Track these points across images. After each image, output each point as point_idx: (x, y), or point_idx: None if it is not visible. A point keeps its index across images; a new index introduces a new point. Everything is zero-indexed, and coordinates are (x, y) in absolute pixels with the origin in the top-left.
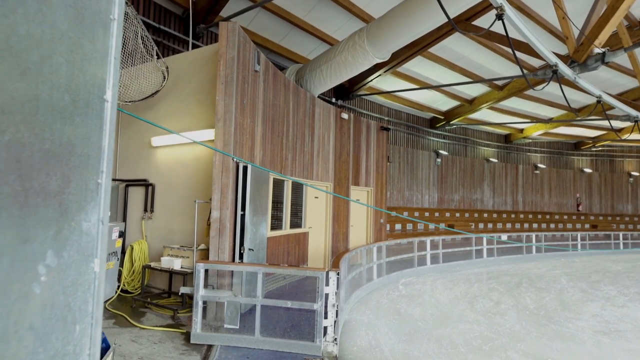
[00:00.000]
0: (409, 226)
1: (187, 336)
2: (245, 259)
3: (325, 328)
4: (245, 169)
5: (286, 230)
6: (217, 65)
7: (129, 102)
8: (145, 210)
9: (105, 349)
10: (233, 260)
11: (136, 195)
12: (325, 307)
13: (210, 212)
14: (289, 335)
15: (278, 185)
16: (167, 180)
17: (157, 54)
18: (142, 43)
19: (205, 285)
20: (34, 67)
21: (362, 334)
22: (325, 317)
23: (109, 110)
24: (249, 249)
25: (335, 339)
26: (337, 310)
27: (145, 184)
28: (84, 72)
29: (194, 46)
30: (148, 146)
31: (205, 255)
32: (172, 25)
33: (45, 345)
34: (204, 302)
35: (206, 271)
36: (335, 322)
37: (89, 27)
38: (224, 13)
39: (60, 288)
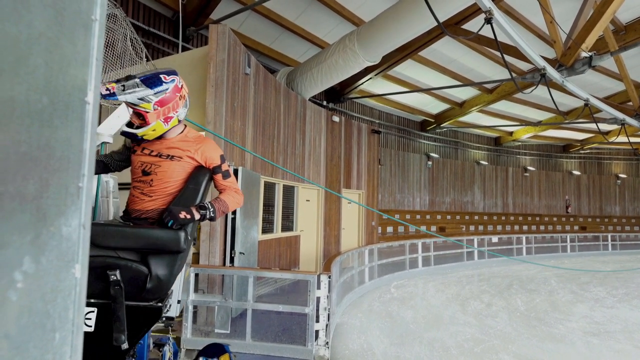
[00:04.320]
0: (400, 229)
1: (177, 341)
2: (236, 263)
3: (317, 332)
4: (235, 172)
5: (277, 233)
6: (207, 68)
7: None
8: None
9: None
10: (224, 264)
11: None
12: (317, 310)
13: None
14: (281, 340)
15: (269, 188)
16: None
17: (147, 57)
18: (132, 45)
19: (196, 290)
20: (9, 67)
21: (354, 337)
22: (317, 321)
23: (90, 112)
24: (240, 253)
25: (327, 343)
26: (328, 314)
27: None
28: (64, 73)
29: (184, 49)
30: None
31: (195, 259)
32: (161, 28)
33: (23, 354)
34: (195, 307)
35: (196, 275)
36: (327, 325)
37: (68, 28)
38: (214, 16)
39: (38, 295)
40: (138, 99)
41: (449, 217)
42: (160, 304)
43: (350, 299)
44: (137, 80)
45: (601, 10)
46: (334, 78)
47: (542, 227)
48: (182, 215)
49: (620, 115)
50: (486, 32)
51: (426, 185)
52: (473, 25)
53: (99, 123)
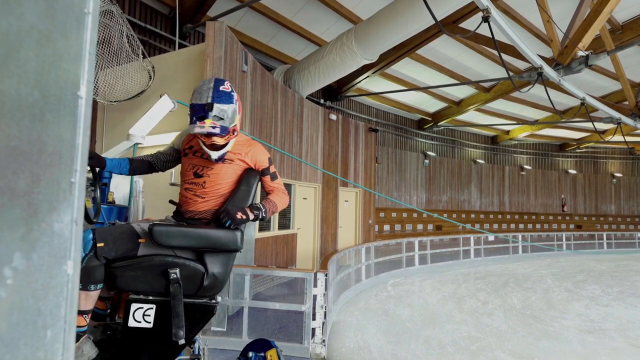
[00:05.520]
0: (397, 227)
1: None
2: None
3: (314, 330)
4: None
5: (274, 231)
6: (203, 65)
7: (114, 101)
8: None
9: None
10: None
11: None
12: (314, 308)
13: None
14: (277, 337)
15: None
16: (153, 182)
17: (143, 53)
18: (128, 42)
19: None
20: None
21: (351, 335)
22: (314, 319)
23: (83, 107)
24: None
25: (324, 341)
26: (325, 312)
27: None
28: (56, 67)
29: (181, 46)
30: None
31: None
32: (158, 25)
33: (13, 352)
34: None
35: None
36: (323, 323)
37: (60, 21)
38: (211, 13)
39: (29, 291)
40: (232, 116)
41: (445, 215)
42: (214, 301)
43: (347, 296)
44: (217, 104)
45: (598, 9)
46: (332, 76)
47: (538, 226)
48: (239, 215)
49: (616, 114)
50: (483, 30)
51: (423, 184)
52: (470, 23)
53: (95, 118)
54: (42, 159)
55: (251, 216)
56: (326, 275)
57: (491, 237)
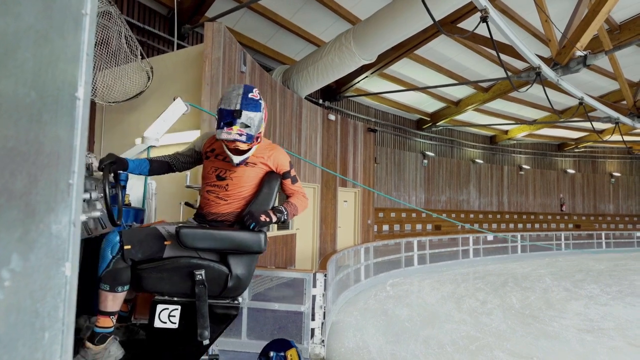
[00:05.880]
0: (397, 227)
1: None
2: None
3: (313, 330)
4: None
5: (273, 231)
6: (202, 66)
7: (113, 102)
8: None
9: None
10: None
11: None
12: (313, 308)
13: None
14: (277, 337)
15: None
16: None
17: (142, 54)
18: (126, 43)
19: None
20: None
21: (350, 335)
22: (313, 319)
23: (81, 108)
24: None
25: (323, 341)
26: (324, 312)
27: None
28: (53, 67)
29: (179, 47)
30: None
31: None
32: (156, 26)
33: (11, 353)
34: None
35: None
36: (322, 323)
37: (58, 21)
38: (210, 13)
39: (27, 293)
40: (259, 124)
41: (444, 215)
42: (237, 302)
43: (346, 297)
44: (245, 112)
45: (596, 9)
46: (330, 76)
47: (536, 226)
48: (263, 218)
49: (614, 113)
50: (482, 30)
51: (422, 184)
52: (469, 23)
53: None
54: (39, 160)
55: (274, 218)
56: (325, 275)
57: (490, 237)
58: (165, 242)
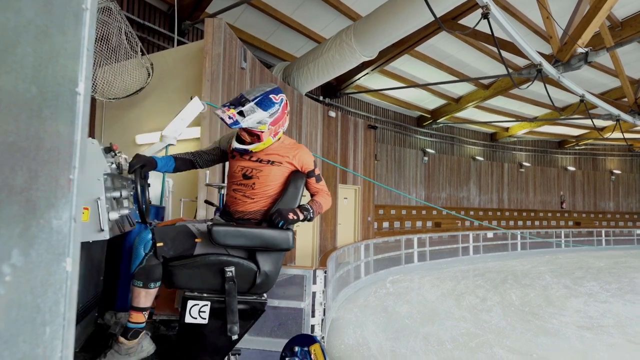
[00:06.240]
0: (397, 224)
1: None
2: None
3: (313, 327)
4: None
5: None
6: (202, 62)
7: (113, 99)
8: None
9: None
10: None
11: None
12: (313, 305)
13: (196, 211)
14: (276, 334)
15: None
16: (152, 179)
17: (142, 50)
18: (126, 39)
19: None
20: None
21: (350, 332)
22: (313, 316)
23: (81, 103)
24: None
25: (323, 338)
26: (324, 309)
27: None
28: (54, 63)
29: (180, 43)
30: (132, 144)
31: None
32: (157, 22)
33: (12, 349)
34: None
35: None
36: (322, 320)
37: (58, 16)
38: (210, 10)
39: (27, 288)
40: (256, 122)
41: (444, 212)
42: (263, 298)
43: (346, 293)
44: (252, 104)
45: (597, 6)
46: (331, 73)
47: (537, 223)
48: (291, 216)
49: (615, 111)
50: (483, 27)
51: (422, 181)
52: (470, 20)
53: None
54: (40, 155)
55: (301, 217)
56: (325, 272)
57: (490, 234)
58: (196, 240)
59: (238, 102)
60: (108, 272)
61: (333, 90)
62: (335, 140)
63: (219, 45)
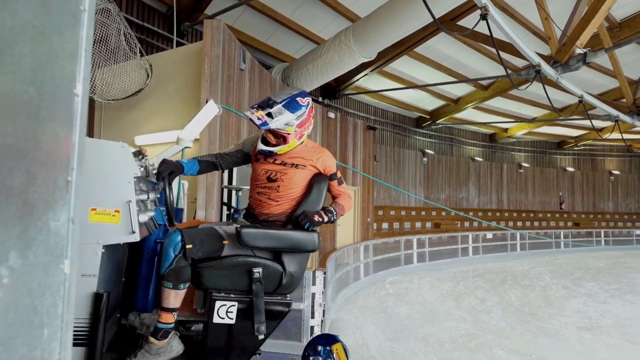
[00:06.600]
0: (396, 225)
1: None
2: None
3: (312, 328)
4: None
5: None
6: (201, 63)
7: (112, 100)
8: None
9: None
10: None
11: None
12: (312, 306)
13: (195, 212)
14: (276, 336)
15: None
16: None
17: (141, 52)
18: (125, 40)
19: None
20: None
21: (349, 333)
22: (312, 317)
23: (79, 104)
24: None
25: None
26: (324, 310)
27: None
28: (52, 64)
29: (179, 44)
30: (132, 145)
31: None
32: (155, 23)
33: (9, 351)
34: None
35: None
36: (322, 321)
37: (56, 17)
38: (209, 11)
39: (25, 290)
40: (284, 124)
41: (443, 213)
42: (289, 299)
43: (345, 294)
44: (280, 106)
45: (596, 7)
46: (330, 74)
47: (536, 224)
48: (316, 218)
49: (614, 111)
50: (482, 28)
51: (421, 182)
52: (469, 21)
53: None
54: (37, 156)
55: (326, 219)
56: (325, 273)
57: (489, 235)
58: (224, 242)
59: (266, 104)
60: (129, 274)
61: (332, 92)
62: (335, 142)
63: (218, 47)
